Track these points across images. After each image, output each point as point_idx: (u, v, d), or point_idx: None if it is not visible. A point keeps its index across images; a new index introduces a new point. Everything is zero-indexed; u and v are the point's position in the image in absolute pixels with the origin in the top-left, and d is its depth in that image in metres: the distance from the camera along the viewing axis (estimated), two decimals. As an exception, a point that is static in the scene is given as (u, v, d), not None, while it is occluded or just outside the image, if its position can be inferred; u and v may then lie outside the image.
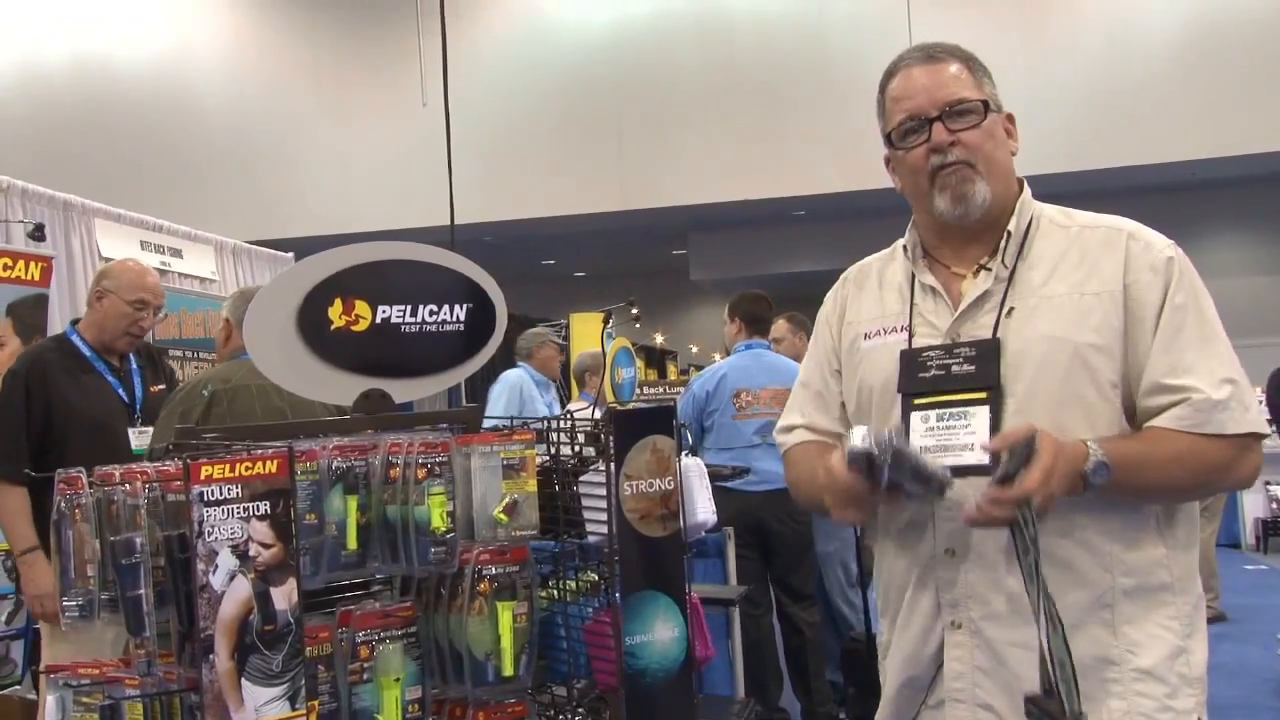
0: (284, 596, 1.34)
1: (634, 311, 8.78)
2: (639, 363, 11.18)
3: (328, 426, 1.72)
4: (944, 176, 1.70)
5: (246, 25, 12.86)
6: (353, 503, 1.58)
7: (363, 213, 11.80)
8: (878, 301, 1.85)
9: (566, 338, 8.12)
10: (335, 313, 1.68)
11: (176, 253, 5.29)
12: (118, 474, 1.37)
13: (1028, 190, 1.79)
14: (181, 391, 3.01)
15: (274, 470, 1.34)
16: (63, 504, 1.39)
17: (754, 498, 4.67)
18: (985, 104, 1.72)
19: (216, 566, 1.28)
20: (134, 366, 3.61)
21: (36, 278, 4.00)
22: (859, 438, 1.51)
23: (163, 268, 5.08)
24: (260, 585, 1.32)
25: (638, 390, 7.23)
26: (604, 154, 11.95)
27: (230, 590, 1.29)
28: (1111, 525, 1.63)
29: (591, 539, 1.75)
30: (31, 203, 4.53)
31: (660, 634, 1.68)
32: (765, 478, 4.68)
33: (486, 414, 1.95)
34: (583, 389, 6.51)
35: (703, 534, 2.72)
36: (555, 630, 1.80)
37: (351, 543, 1.58)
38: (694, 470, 2.46)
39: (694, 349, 15.74)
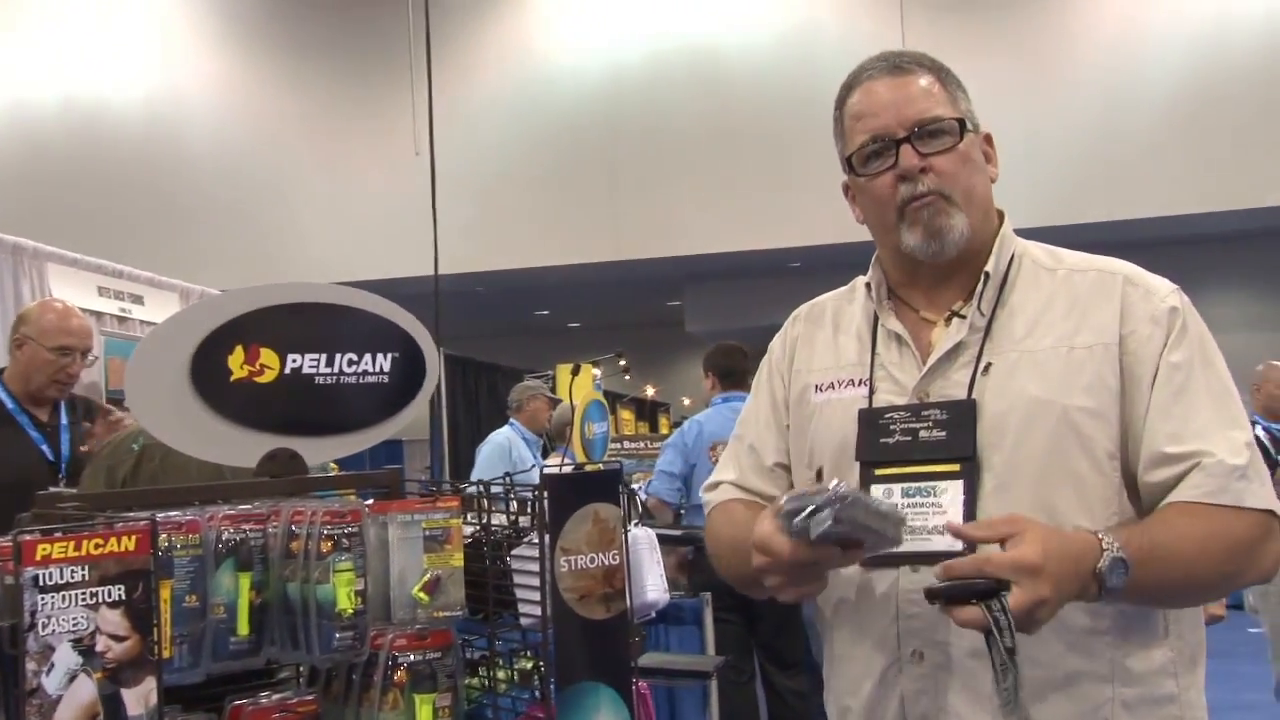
0: (139, 699, 1.13)
1: (622, 364, 8.60)
2: (628, 415, 10.99)
3: (235, 491, 1.52)
4: (914, 211, 1.45)
5: (237, 71, 12.78)
6: (245, 581, 1.38)
7: (354, 261, 11.64)
8: (832, 348, 1.59)
9: (553, 389, 7.91)
10: (236, 362, 1.49)
11: (137, 299, 5.09)
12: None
13: (1008, 224, 1.54)
14: (109, 445, 2.77)
15: (131, 548, 1.14)
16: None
17: (738, 558, 4.44)
18: (961, 123, 1.48)
19: (52, 665, 1.08)
20: (64, 421, 3.38)
21: (-31, 327, 3.78)
22: (792, 498, 1.24)
23: (121, 314, 4.91)
24: (109, 686, 1.11)
25: (616, 445, 6.99)
26: (598, 204, 11.82)
27: (70, 694, 1.09)
28: (1112, 624, 1.37)
29: (525, 621, 1.54)
30: (-23, 248, 4.34)
31: (601, 732, 1.47)
32: (749, 537, 4.45)
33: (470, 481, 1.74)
34: (561, 443, 6.31)
35: (651, 614, 2.51)
36: (486, 724, 1.59)
37: (243, 627, 1.37)
38: (643, 542, 2.24)
39: (686, 401, 15.54)
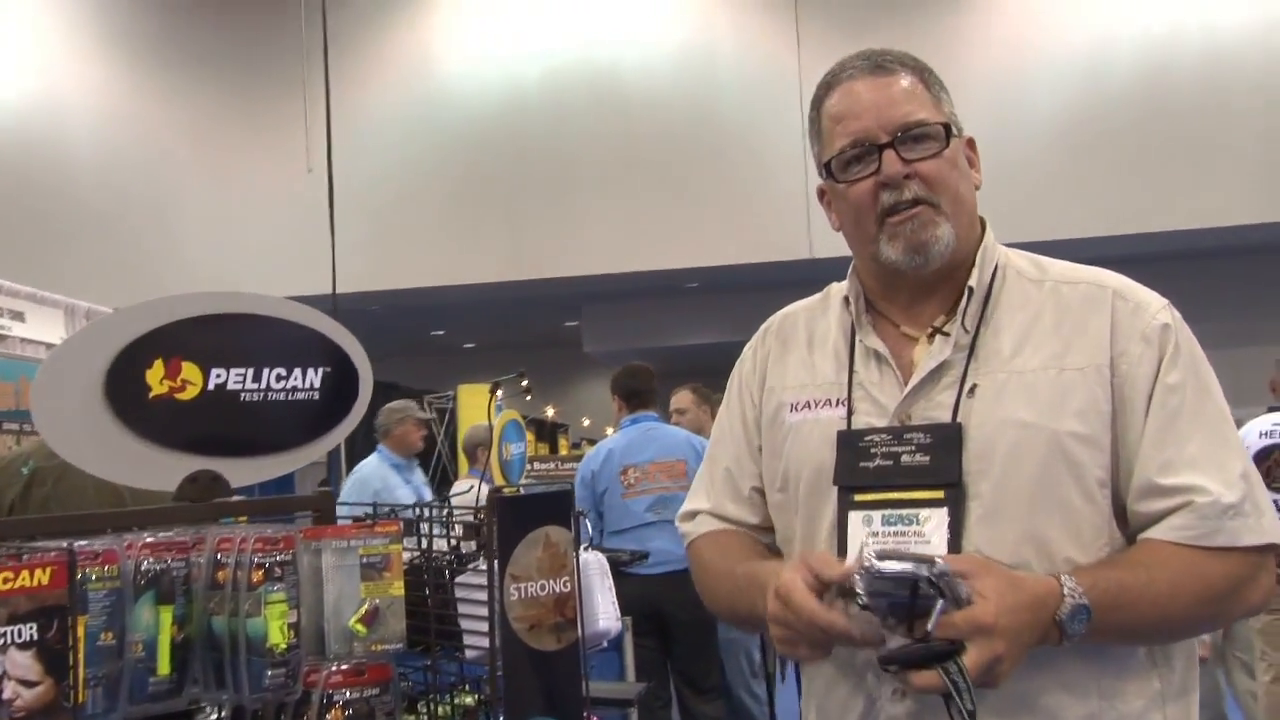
0: (53, 751, 1.01)
1: (524, 384, 8.49)
2: (530, 436, 10.86)
3: (150, 517, 1.40)
4: (895, 225, 1.36)
5: (118, 79, 12.27)
6: (166, 615, 1.26)
7: (244, 279, 11.26)
8: (807, 364, 1.49)
9: (455, 411, 7.73)
10: (155, 377, 1.37)
11: (18, 315, 4.79)
12: None
13: (990, 233, 1.46)
14: (-6, 469, 2.58)
15: (45, 582, 1.02)
16: None
17: (651, 581, 4.38)
18: (946, 128, 1.39)
19: (-47, 716, 0.96)
20: None
21: None
22: (879, 561, 1.15)
23: (1, 332, 4.62)
24: (19, 738, 0.99)
25: (528, 467, 6.86)
26: (496, 223, 11.67)
27: (-27, 747, 0.97)
28: (1100, 659, 1.31)
29: (470, 653, 1.45)
30: None
31: (553, 770, 1.39)
32: (663, 558, 4.41)
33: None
34: (473, 465, 6.11)
35: (603, 644, 2.42)
36: (425, 765, 1.49)
37: (164, 666, 1.26)
38: (594, 567, 2.16)
39: (586, 422, 15.46)
